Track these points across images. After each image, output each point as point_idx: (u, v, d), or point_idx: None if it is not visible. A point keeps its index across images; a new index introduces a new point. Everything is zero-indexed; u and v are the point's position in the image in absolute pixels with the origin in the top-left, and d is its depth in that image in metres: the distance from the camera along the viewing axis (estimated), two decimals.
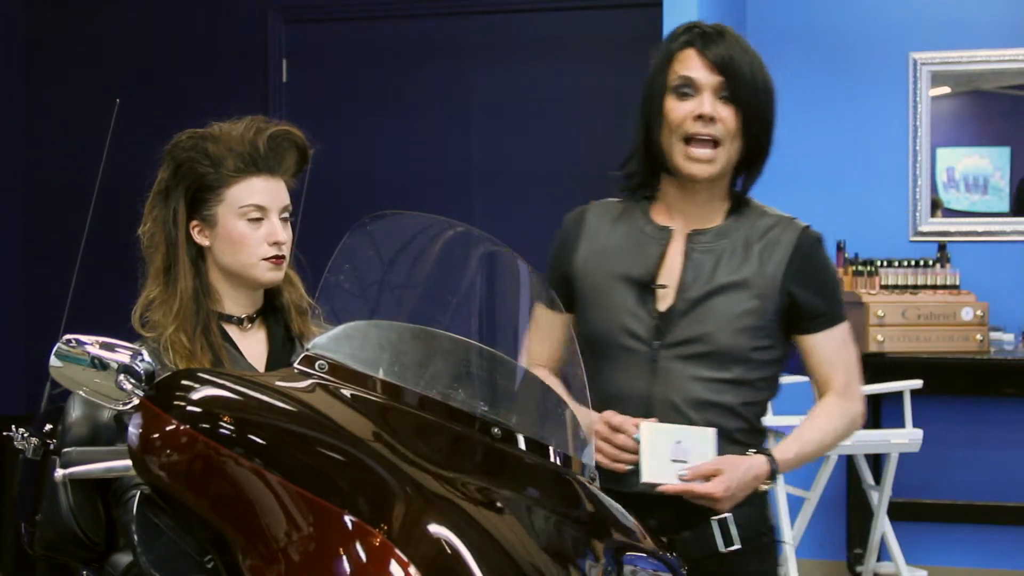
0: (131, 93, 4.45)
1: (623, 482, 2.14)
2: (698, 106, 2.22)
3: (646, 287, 2.27)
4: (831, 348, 2.30)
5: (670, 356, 2.24)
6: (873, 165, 5.40)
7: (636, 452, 2.14)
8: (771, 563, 2.32)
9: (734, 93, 2.22)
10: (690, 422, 2.20)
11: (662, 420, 2.20)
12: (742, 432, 2.27)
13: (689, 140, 2.23)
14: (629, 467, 2.14)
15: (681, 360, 2.24)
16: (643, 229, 2.32)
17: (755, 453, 2.20)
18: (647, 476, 2.10)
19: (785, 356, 2.34)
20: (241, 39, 5.68)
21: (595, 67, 5.32)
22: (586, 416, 2.18)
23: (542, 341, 2.31)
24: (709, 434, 2.15)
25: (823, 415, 2.30)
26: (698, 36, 2.25)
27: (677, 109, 2.23)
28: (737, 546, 2.20)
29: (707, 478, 2.12)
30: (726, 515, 2.21)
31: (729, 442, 2.22)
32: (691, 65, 2.24)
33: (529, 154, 5.42)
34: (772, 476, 2.19)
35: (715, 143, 2.23)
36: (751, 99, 2.22)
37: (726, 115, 2.22)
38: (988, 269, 5.26)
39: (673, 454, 2.12)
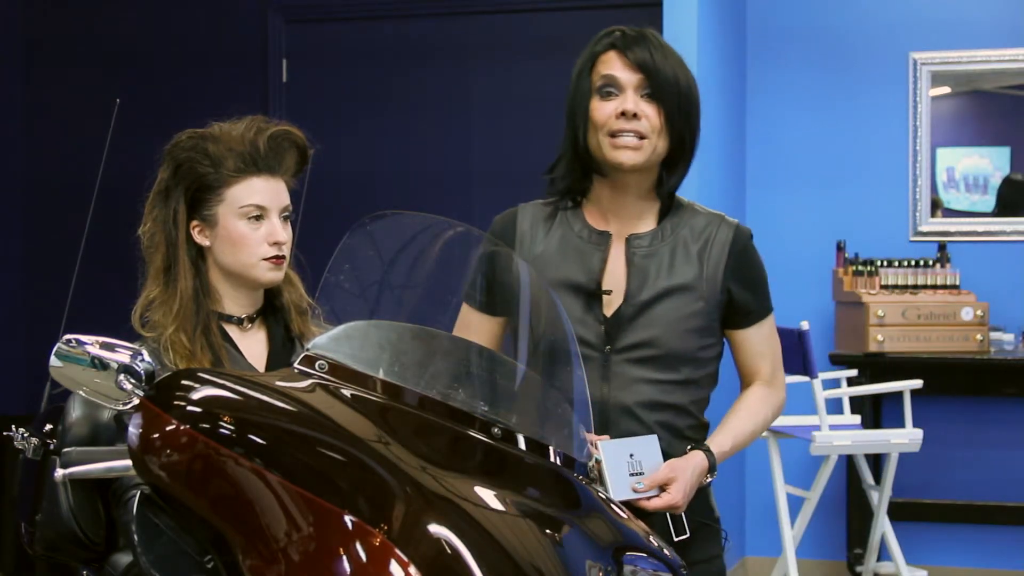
0: (131, 93, 4.45)
1: None
2: (621, 103, 2.27)
3: (592, 294, 2.31)
4: (760, 340, 2.40)
5: (620, 360, 2.29)
6: (873, 165, 5.40)
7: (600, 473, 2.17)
8: (717, 547, 2.39)
9: (655, 91, 2.28)
10: (643, 424, 2.27)
11: (616, 423, 2.27)
12: (691, 429, 2.35)
13: (614, 136, 2.28)
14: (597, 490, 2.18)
15: (632, 364, 2.29)
16: (580, 234, 2.36)
17: (691, 450, 2.27)
18: (616, 494, 2.13)
19: (722, 352, 2.42)
20: (241, 39, 5.68)
21: None
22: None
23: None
24: (653, 440, 2.21)
25: (753, 406, 2.38)
26: (619, 38, 2.32)
27: (602, 108, 2.29)
28: (687, 535, 2.26)
29: (662, 485, 2.18)
30: None
31: (679, 439, 2.31)
32: (613, 66, 2.30)
33: (529, 154, 5.40)
34: (712, 469, 2.27)
35: (640, 138, 2.28)
36: (672, 96, 2.28)
37: (649, 112, 2.27)
38: (988, 269, 5.26)
39: (630, 468, 2.18)
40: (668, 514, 2.25)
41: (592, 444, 2.15)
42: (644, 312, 2.30)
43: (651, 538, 1.87)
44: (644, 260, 2.32)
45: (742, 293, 2.35)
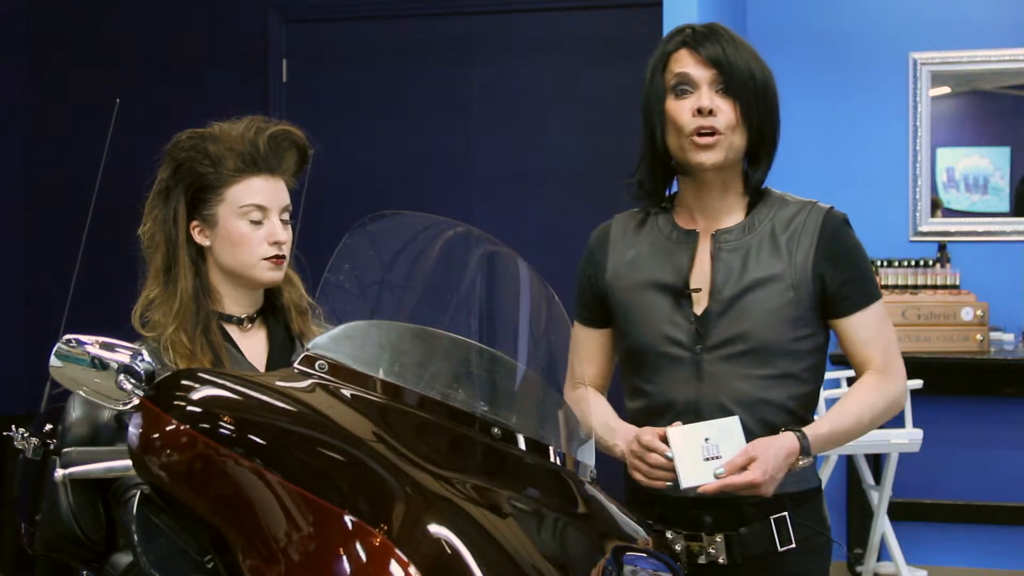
0: (131, 93, 4.45)
1: (672, 488, 2.14)
2: (696, 100, 2.24)
3: (680, 293, 2.27)
4: (866, 328, 2.28)
5: (713, 358, 2.24)
6: (873, 165, 5.40)
7: (671, 467, 2.12)
8: (824, 561, 2.32)
9: (730, 85, 2.24)
10: (743, 423, 2.17)
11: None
12: (795, 426, 2.24)
13: (692, 135, 2.24)
14: (668, 483, 2.14)
15: (725, 361, 2.24)
16: (669, 235, 2.33)
17: (784, 431, 2.18)
18: (685, 481, 2.09)
19: (826, 344, 2.33)
20: (241, 39, 5.67)
21: (595, 67, 5.31)
22: (627, 434, 2.22)
23: (586, 360, 2.37)
24: (734, 423, 2.14)
25: (860, 393, 2.27)
26: (690, 36, 2.28)
27: (678, 108, 2.26)
28: (793, 545, 2.22)
29: (743, 468, 2.10)
30: (783, 513, 2.23)
31: None
32: (686, 63, 2.26)
33: (529, 154, 5.42)
34: (805, 452, 2.17)
35: (716, 134, 2.24)
36: (748, 89, 2.24)
37: (725, 107, 2.24)
38: (988, 269, 5.26)
39: (705, 453, 2.11)
40: (772, 521, 2.21)
41: (661, 437, 2.14)
42: (733, 306, 2.24)
43: (648, 539, 1.87)
44: (730, 255, 2.27)
45: (836, 278, 2.26)
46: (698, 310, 2.26)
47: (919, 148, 5.36)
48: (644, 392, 2.29)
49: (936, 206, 5.40)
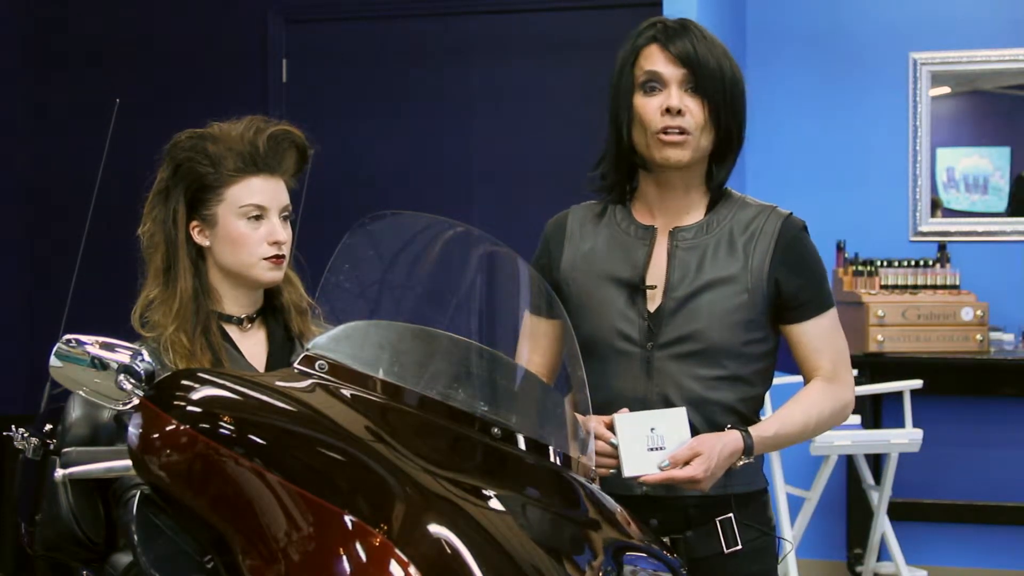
0: (131, 93, 4.45)
1: (620, 485, 2.13)
2: (665, 99, 2.22)
3: (635, 288, 2.26)
4: (818, 335, 2.27)
5: (664, 356, 2.23)
6: (873, 165, 5.40)
7: (615, 455, 2.10)
8: (771, 561, 2.31)
9: (699, 84, 2.22)
10: (690, 422, 2.16)
11: None
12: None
13: (659, 133, 2.23)
14: (612, 470, 2.11)
15: (675, 359, 2.23)
16: (627, 230, 2.32)
17: (729, 429, 2.17)
18: (628, 470, 2.07)
19: (776, 348, 2.32)
20: (241, 39, 5.68)
21: (595, 67, 5.30)
22: (585, 422, 2.18)
23: (534, 350, 2.32)
24: (680, 414, 2.13)
25: (808, 398, 2.26)
26: (661, 31, 2.26)
27: (646, 105, 2.24)
28: (739, 547, 2.21)
29: (686, 462, 2.09)
30: (729, 515, 2.22)
31: None
32: (655, 60, 2.24)
33: (529, 154, 5.42)
34: (748, 452, 2.16)
35: (685, 133, 2.23)
36: (717, 89, 2.23)
37: (693, 107, 2.22)
38: (988, 269, 5.26)
39: (650, 443, 2.09)
40: (718, 523, 2.21)
41: (607, 423, 2.11)
42: (685, 305, 2.23)
43: (647, 538, 1.87)
44: (687, 253, 2.26)
45: (792, 285, 2.24)
46: (651, 307, 2.25)
47: (919, 148, 5.36)
48: (592, 386, 2.20)
49: (936, 206, 5.40)
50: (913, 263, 5.17)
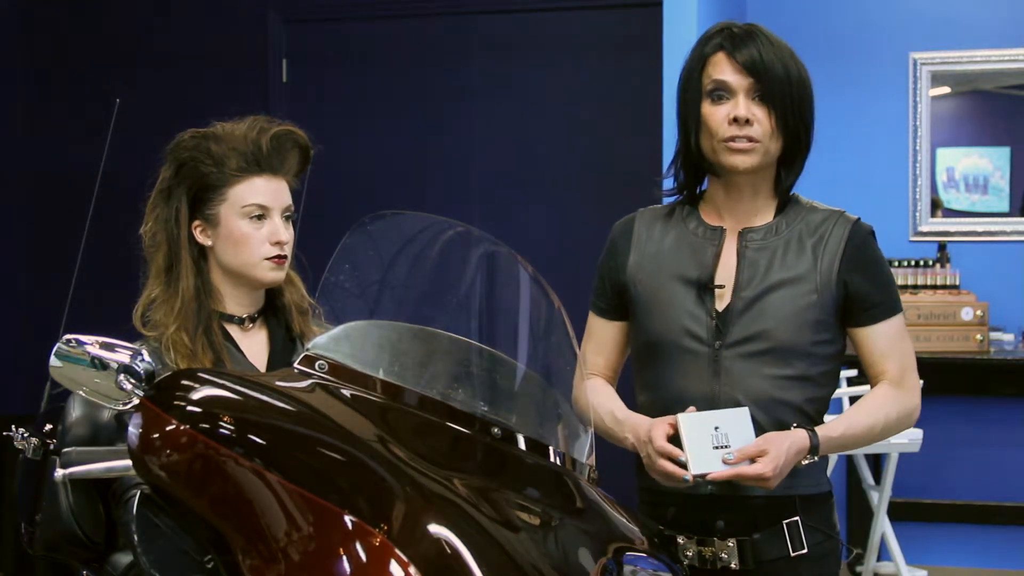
0: (131, 93, 4.45)
1: (684, 486, 2.14)
2: (733, 109, 2.23)
3: (704, 288, 2.26)
4: (885, 339, 2.28)
5: (732, 355, 2.23)
6: (873, 165, 5.40)
7: (682, 464, 2.11)
8: (835, 566, 2.31)
9: (766, 93, 2.23)
10: (754, 422, 2.17)
11: None
12: None
13: (727, 140, 2.24)
14: (686, 482, 2.11)
15: (743, 359, 2.23)
16: (695, 231, 2.32)
17: (796, 427, 2.18)
18: (694, 468, 2.08)
19: (843, 350, 2.33)
20: (241, 39, 5.68)
21: (595, 67, 5.31)
22: (637, 426, 2.21)
23: (597, 351, 2.38)
24: (744, 413, 2.14)
25: (875, 401, 2.27)
26: (728, 38, 2.26)
27: (713, 113, 2.25)
28: (805, 550, 2.22)
29: (752, 459, 2.10)
30: (796, 518, 2.23)
31: None
32: (723, 69, 2.25)
33: (529, 154, 5.42)
34: (813, 451, 2.17)
35: (752, 142, 2.23)
36: (784, 97, 2.23)
37: (760, 115, 2.23)
38: (988, 269, 5.26)
39: (714, 441, 2.11)
40: (784, 525, 2.21)
41: (671, 425, 2.14)
42: (754, 304, 2.24)
43: (646, 541, 1.87)
44: (756, 253, 2.27)
45: (860, 287, 2.25)
46: (720, 306, 2.26)
47: (919, 148, 5.36)
48: (657, 386, 2.27)
49: (936, 206, 5.40)
50: (913, 263, 5.17)
